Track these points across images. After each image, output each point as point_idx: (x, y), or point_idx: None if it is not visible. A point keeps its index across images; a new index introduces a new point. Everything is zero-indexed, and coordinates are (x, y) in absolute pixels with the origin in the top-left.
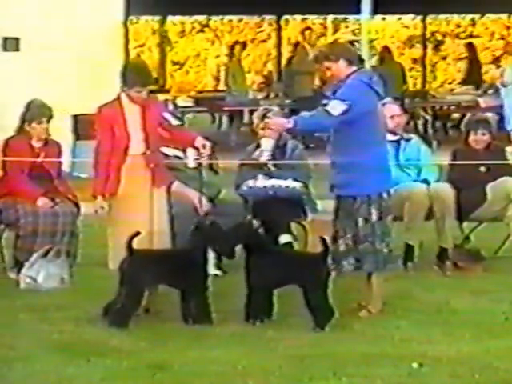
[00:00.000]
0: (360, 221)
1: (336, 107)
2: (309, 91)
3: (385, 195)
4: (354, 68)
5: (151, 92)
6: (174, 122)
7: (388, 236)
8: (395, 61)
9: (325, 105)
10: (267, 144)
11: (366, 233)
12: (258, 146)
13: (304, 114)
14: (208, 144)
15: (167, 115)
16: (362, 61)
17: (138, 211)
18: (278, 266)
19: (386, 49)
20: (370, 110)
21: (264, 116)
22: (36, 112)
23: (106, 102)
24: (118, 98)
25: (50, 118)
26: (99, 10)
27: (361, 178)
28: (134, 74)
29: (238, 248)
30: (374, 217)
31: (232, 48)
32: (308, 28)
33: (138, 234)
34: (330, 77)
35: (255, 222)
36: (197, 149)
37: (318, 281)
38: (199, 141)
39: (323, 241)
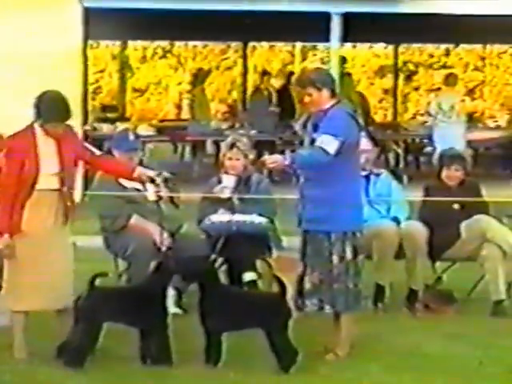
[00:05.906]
0: (335, 259)
1: (330, 144)
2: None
3: (358, 233)
4: (336, 99)
5: (113, 121)
6: (97, 152)
7: (359, 275)
8: (355, 90)
9: (313, 139)
10: (228, 181)
11: (340, 271)
12: (220, 181)
13: (300, 150)
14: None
15: (88, 145)
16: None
17: (42, 250)
18: (236, 308)
19: (348, 75)
20: (353, 143)
21: (233, 145)
22: None
23: (16, 132)
24: (31, 129)
25: None
26: (56, 33)
27: (336, 213)
28: (51, 108)
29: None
30: (349, 255)
31: (196, 75)
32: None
33: (105, 274)
34: (308, 104)
35: (218, 259)
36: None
37: (281, 322)
38: (141, 172)
39: (278, 280)
